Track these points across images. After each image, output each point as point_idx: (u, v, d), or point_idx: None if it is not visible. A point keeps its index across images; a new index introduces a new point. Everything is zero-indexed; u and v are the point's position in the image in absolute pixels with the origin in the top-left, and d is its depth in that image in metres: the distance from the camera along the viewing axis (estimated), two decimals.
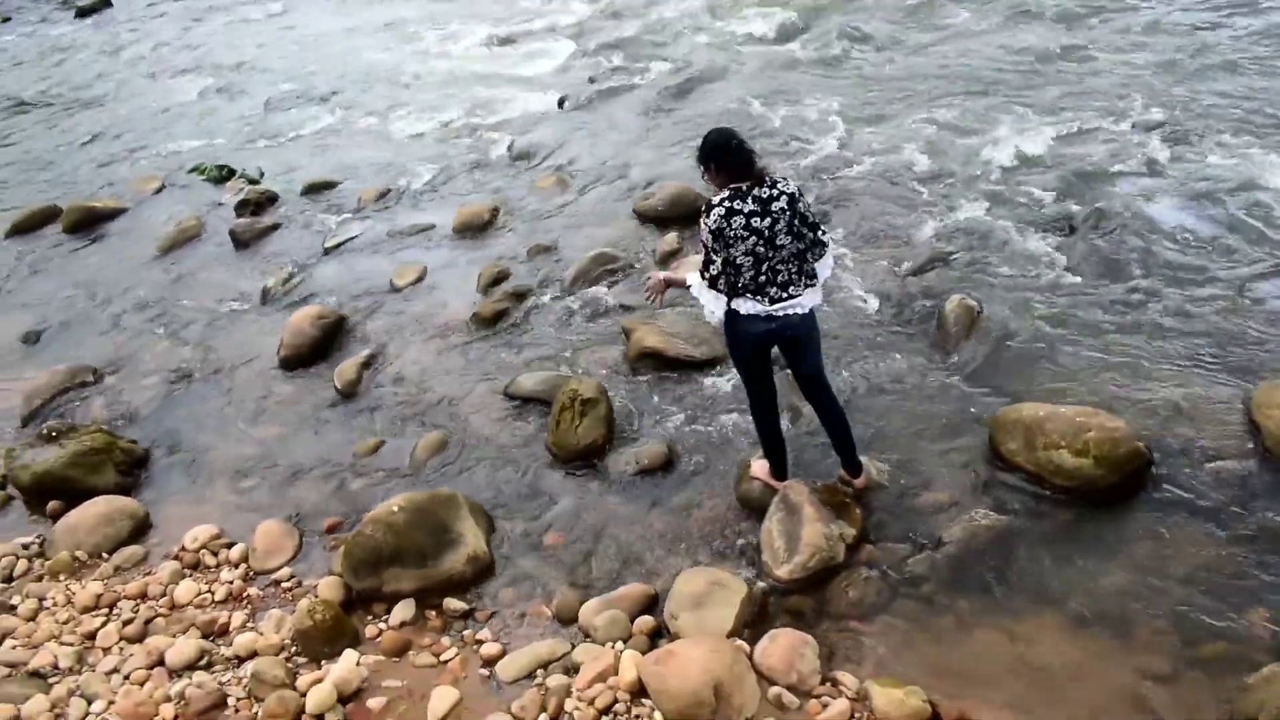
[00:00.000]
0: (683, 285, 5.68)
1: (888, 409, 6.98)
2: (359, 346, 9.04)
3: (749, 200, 5.23)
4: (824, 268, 5.53)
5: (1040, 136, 11.18)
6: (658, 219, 10.62)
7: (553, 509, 6.60)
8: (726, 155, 5.26)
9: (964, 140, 11.49)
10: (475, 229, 11.34)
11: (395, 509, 6.08)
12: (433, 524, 6.08)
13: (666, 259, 9.68)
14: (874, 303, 8.35)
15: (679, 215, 10.52)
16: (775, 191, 5.28)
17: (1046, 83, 12.73)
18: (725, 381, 7.47)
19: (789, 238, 5.29)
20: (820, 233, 5.44)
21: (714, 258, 5.30)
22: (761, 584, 5.61)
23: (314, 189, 13.38)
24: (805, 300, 5.43)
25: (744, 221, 5.20)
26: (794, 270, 5.35)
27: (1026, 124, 11.63)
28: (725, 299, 5.38)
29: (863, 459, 6.25)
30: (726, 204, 5.24)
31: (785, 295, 5.35)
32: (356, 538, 6.02)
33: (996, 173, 10.64)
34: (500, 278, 9.87)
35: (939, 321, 7.87)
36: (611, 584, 5.85)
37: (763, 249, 5.24)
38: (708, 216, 5.26)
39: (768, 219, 5.23)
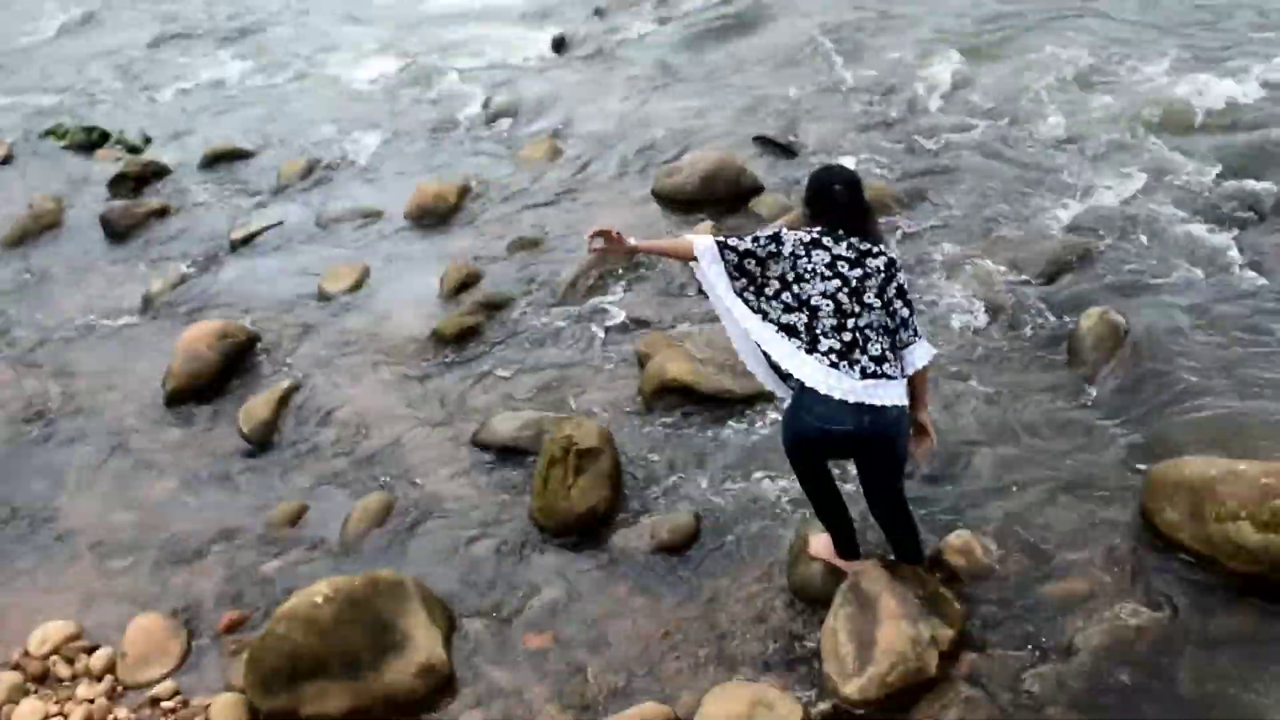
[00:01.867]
0: (664, 254, 5.78)
1: (1000, 464, 6.96)
2: (275, 376, 9.11)
3: (841, 244, 5.38)
4: (920, 355, 5.52)
5: (1212, 89, 11.22)
6: (685, 202, 10.67)
7: (536, 599, 6.59)
8: (832, 203, 5.44)
9: (1107, 93, 11.55)
10: (437, 215, 11.42)
11: (320, 599, 6.08)
12: (371, 620, 6.08)
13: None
14: (983, 317, 8.36)
15: (714, 197, 10.56)
16: (876, 249, 5.44)
17: (1219, 17, 12.77)
18: (776, 418, 7.47)
19: (879, 302, 5.39)
20: (913, 317, 5.50)
21: (749, 245, 5.38)
22: (823, 705, 5.57)
23: (218, 160, 13.54)
24: (900, 390, 5.46)
25: (828, 259, 5.33)
26: (887, 346, 5.41)
27: (1192, 70, 11.66)
28: (767, 325, 5.43)
29: (964, 534, 6.23)
30: (815, 234, 5.40)
31: (880, 372, 5.38)
32: (266, 639, 6.02)
33: (1152, 138, 10.67)
34: (469, 282, 9.93)
35: (1072, 343, 7.85)
36: (616, 703, 5.81)
37: (847, 299, 5.33)
38: (789, 230, 5.44)
39: (859, 270, 5.35)
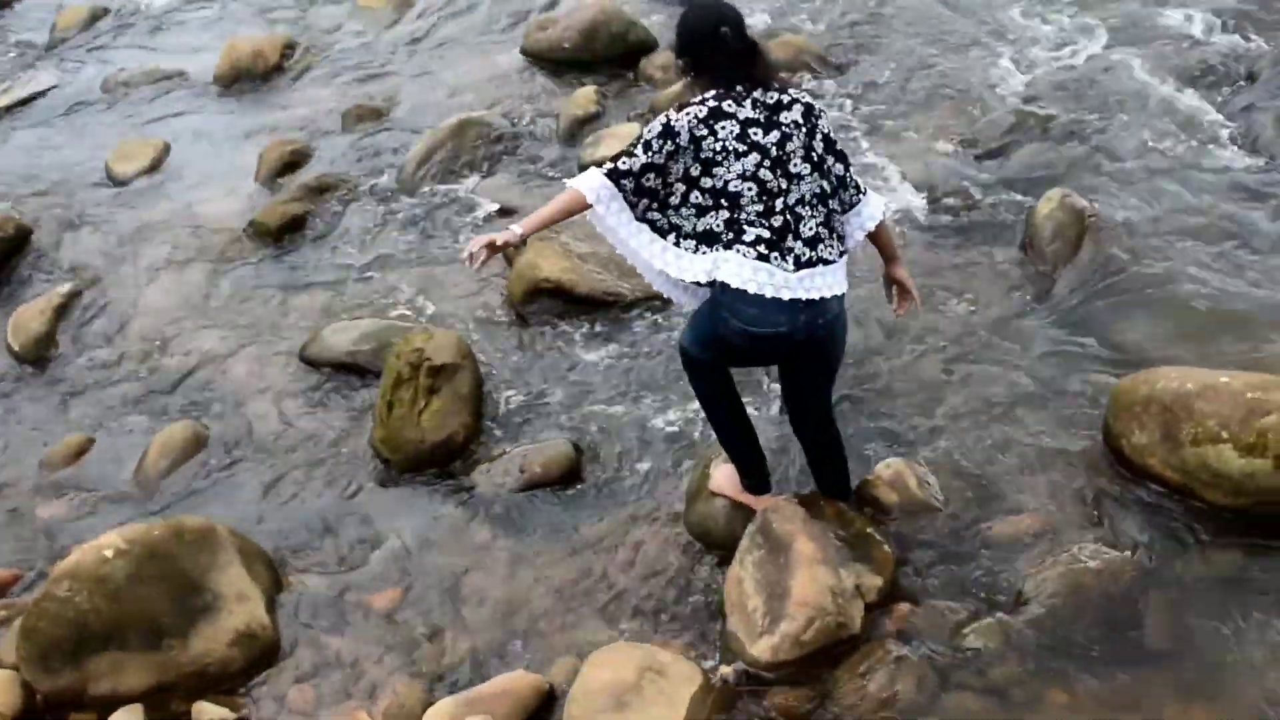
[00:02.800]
0: (560, 219, 5.65)
1: (939, 380, 7.02)
2: (52, 279, 8.92)
3: (745, 103, 5.29)
4: (865, 218, 5.58)
5: None
6: (561, 62, 10.57)
7: (380, 550, 6.56)
8: (719, 50, 5.33)
9: None
10: (254, 78, 11.23)
11: (110, 553, 5.96)
12: (175, 578, 5.98)
13: (576, 131, 9.63)
14: (921, 200, 8.41)
15: (596, 56, 10.48)
16: (786, 97, 5.36)
17: None
18: (670, 324, 7.47)
19: (807, 166, 5.34)
20: (854, 171, 5.53)
21: (641, 155, 5.23)
22: (727, 669, 5.61)
23: None
24: (840, 274, 5.48)
25: (736, 130, 5.24)
26: (821, 221, 5.40)
27: None
28: (687, 252, 5.38)
29: (896, 464, 6.29)
30: (711, 103, 5.27)
31: (815, 258, 5.37)
32: (44, 604, 5.91)
33: None
34: (295, 161, 9.79)
35: (1028, 232, 7.93)
36: (478, 673, 5.82)
37: (770, 175, 5.26)
38: (677, 111, 5.29)
39: (775, 132, 5.27)
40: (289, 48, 11.57)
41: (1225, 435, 5.94)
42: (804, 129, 5.32)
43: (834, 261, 5.38)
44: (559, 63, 10.57)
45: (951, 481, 6.38)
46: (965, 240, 8.05)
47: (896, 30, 10.52)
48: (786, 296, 5.25)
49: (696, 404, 6.56)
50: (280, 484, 7.06)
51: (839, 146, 5.45)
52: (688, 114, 5.24)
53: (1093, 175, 8.36)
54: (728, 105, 5.25)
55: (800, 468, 6.46)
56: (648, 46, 10.72)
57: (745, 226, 5.24)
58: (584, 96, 9.97)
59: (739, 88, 5.30)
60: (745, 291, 5.24)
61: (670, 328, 7.52)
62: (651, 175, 5.28)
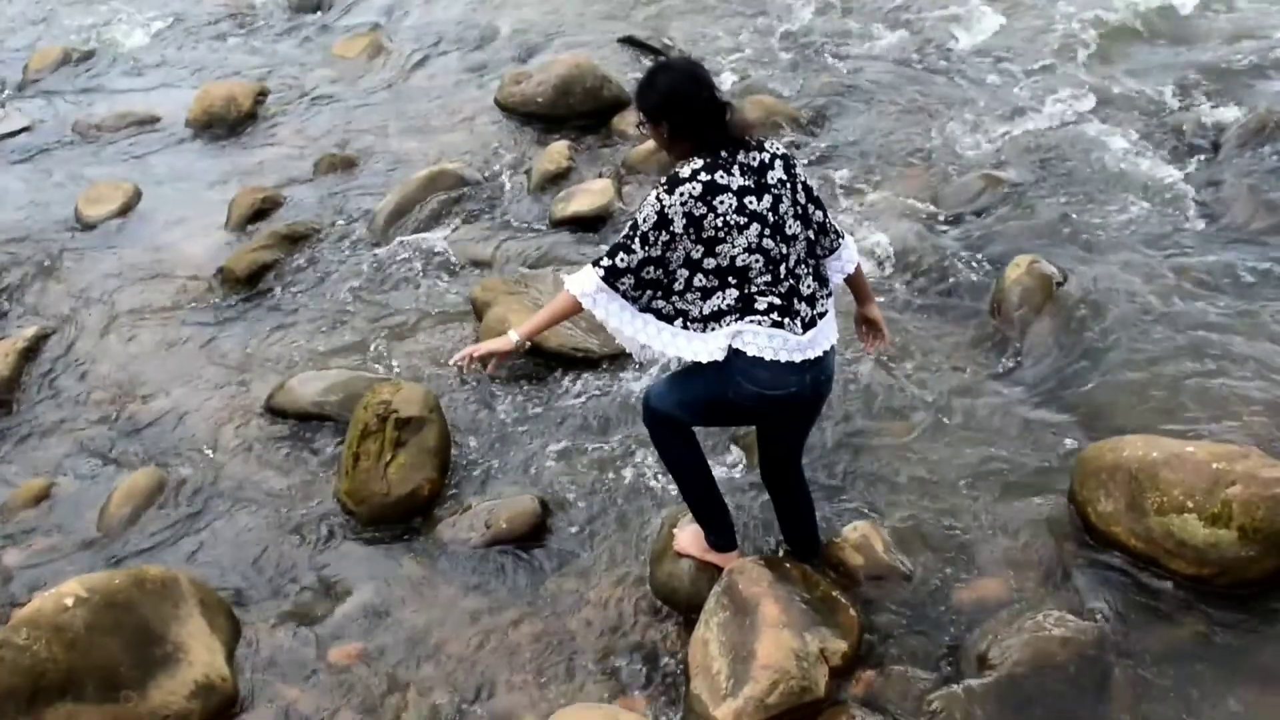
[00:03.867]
0: (556, 322, 5.67)
1: (906, 443, 7.04)
2: (19, 322, 8.87)
3: (734, 169, 5.27)
4: (845, 261, 5.65)
5: None
6: (535, 116, 10.59)
7: (343, 604, 6.51)
8: (693, 112, 5.29)
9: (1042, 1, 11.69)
10: (227, 124, 11.22)
11: (70, 602, 5.91)
12: (135, 628, 5.92)
13: (547, 185, 9.65)
14: (890, 264, 8.43)
15: (570, 111, 10.51)
16: (766, 156, 5.35)
17: None
18: (635, 384, 7.47)
19: (799, 224, 5.38)
20: (829, 215, 5.56)
21: (638, 250, 5.22)
22: None
23: None
24: (832, 322, 5.55)
25: (735, 203, 5.22)
26: (813, 275, 5.47)
27: None
28: (699, 334, 5.39)
29: (863, 527, 6.30)
30: (704, 177, 5.23)
31: (816, 314, 5.44)
32: (0, 652, 5.86)
33: (1093, 52, 10.84)
34: (266, 208, 9.78)
35: (996, 297, 7.96)
36: None
37: (772, 243, 5.28)
38: (669, 192, 5.21)
39: (766, 197, 5.27)
40: (262, 94, 11.57)
41: (1190, 505, 5.97)
42: (788, 184, 5.33)
43: (828, 310, 5.48)
44: (532, 116, 10.60)
45: (917, 545, 6.39)
46: (933, 304, 8.08)
47: (867, 94, 10.60)
48: (798, 359, 5.32)
49: (662, 464, 6.57)
50: (244, 534, 7.01)
51: (815, 193, 5.48)
52: (681, 195, 5.16)
53: (1061, 242, 8.41)
54: (720, 177, 5.20)
55: (762, 527, 6.47)
56: (621, 103, 10.75)
57: (756, 298, 5.26)
58: (556, 151, 9.98)
59: (723, 153, 5.26)
60: (762, 358, 5.29)
61: (639, 381, 7.51)
62: (651, 268, 5.26)
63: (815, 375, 5.42)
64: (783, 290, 5.29)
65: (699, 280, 5.29)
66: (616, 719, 5.54)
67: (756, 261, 5.22)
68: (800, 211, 5.38)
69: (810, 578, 6.03)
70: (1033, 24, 11.33)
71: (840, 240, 5.59)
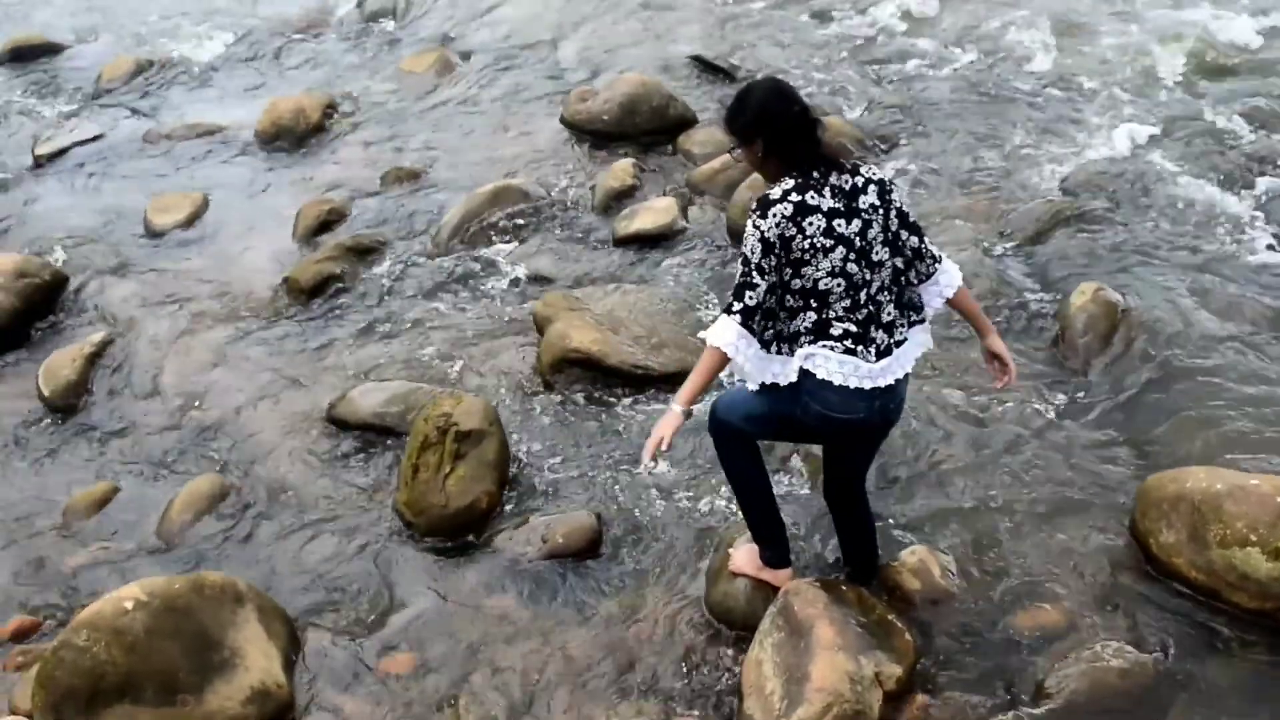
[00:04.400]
0: (710, 380, 5.56)
1: (967, 469, 7.00)
2: (87, 327, 8.94)
3: (825, 191, 5.25)
4: (943, 286, 5.59)
5: (1239, 24, 11.33)
6: (600, 134, 10.61)
7: (399, 614, 6.53)
8: (788, 129, 5.27)
9: (1114, 25, 11.62)
10: (295, 137, 11.29)
11: (130, 605, 5.95)
12: (193, 633, 5.96)
13: (611, 202, 9.66)
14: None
15: (637, 130, 10.52)
16: (860, 180, 5.32)
17: None
18: (698, 408, 7.47)
19: (887, 251, 5.35)
20: (928, 241, 5.50)
21: (760, 281, 5.26)
22: None
23: (22, 54, 13.26)
24: (912, 350, 5.54)
25: (824, 225, 5.21)
26: (895, 303, 5.44)
27: (1212, 3, 11.77)
28: (780, 355, 5.41)
29: (921, 551, 6.28)
30: (795, 197, 5.23)
31: (893, 343, 5.42)
32: (61, 652, 5.89)
33: (1164, 81, 10.77)
34: (332, 220, 9.83)
35: (1060, 324, 7.92)
36: None
37: (856, 267, 5.27)
38: (763, 216, 5.22)
39: (856, 221, 5.25)
40: (330, 108, 11.65)
41: (1254, 538, 5.91)
42: (881, 210, 5.29)
43: (906, 339, 5.44)
44: (597, 134, 10.61)
45: (975, 571, 6.35)
46: (998, 329, 8.01)
47: (933, 119, 10.56)
48: (868, 386, 5.31)
49: (721, 481, 6.57)
50: (302, 542, 7.04)
51: (913, 219, 5.42)
52: (774, 217, 5.15)
53: (1127, 269, 8.35)
54: (811, 198, 5.18)
55: (822, 551, 6.45)
56: (687, 121, 10.76)
57: (834, 323, 5.27)
58: (621, 169, 10.00)
59: (815, 174, 5.24)
60: (830, 382, 5.29)
61: (698, 405, 7.49)
62: (771, 297, 5.25)
63: (885, 403, 5.42)
64: (860, 317, 5.28)
65: (787, 301, 5.30)
66: None
67: (838, 286, 5.21)
68: (890, 238, 5.34)
69: (866, 600, 6.00)
70: (1103, 51, 11.26)
71: (937, 265, 5.52)
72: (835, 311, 5.26)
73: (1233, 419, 7.11)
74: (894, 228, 5.34)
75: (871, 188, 5.29)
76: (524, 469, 7.31)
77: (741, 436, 5.78)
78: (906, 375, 5.48)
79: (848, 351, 5.27)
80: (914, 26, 12.40)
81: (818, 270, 5.19)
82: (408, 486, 7.04)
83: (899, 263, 5.39)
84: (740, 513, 6.12)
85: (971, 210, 9.27)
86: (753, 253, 5.17)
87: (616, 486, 7.10)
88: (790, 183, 5.23)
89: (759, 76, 11.03)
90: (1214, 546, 5.99)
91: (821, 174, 5.24)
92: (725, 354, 5.25)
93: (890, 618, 5.94)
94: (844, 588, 6.04)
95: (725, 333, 5.24)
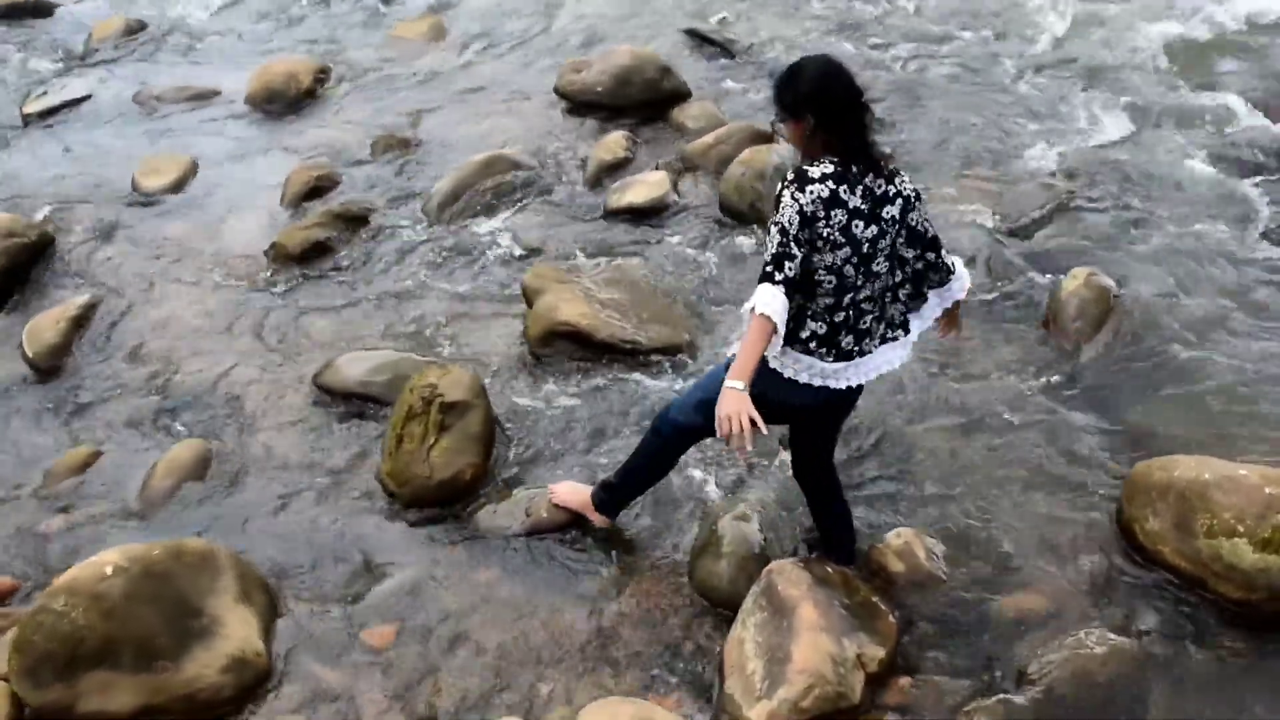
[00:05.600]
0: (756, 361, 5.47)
1: (955, 451, 7.02)
2: (71, 289, 8.91)
3: (857, 190, 5.21)
4: (937, 303, 5.65)
5: (1239, 5, 11.30)
6: (595, 105, 10.58)
7: (380, 584, 6.52)
8: (840, 110, 5.18)
9: (1122, 9, 11.59)
10: (286, 100, 11.25)
11: (109, 570, 5.93)
12: (172, 599, 5.94)
13: (603, 175, 9.63)
14: None
15: (629, 103, 10.50)
16: (891, 189, 5.28)
17: None
18: (682, 379, 7.46)
19: (888, 265, 5.36)
20: (945, 252, 5.52)
21: (797, 252, 5.16)
22: None
23: (9, 12, 13.22)
24: (878, 361, 5.53)
25: (844, 220, 5.18)
26: (876, 316, 5.45)
27: None
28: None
29: (906, 533, 6.29)
30: (831, 185, 5.17)
31: (855, 351, 5.43)
32: (39, 617, 5.87)
33: (1162, 63, 10.75)
34: (322, 186, 9.79)
35: (1052, 308, 7.94)
36: (471, 716, 5.78)
37: (853, 271, 5.26)
38: (801, 190, 5.16)
39: (873, 227, 5.23)
40: (322, 73, 11.60)
41: (1240, 529, 5.94)
42: (898, 225, 5.29)
43: (871, 352, 5.45)
44: (591, 105, 10.58)
45: (960, 554, 6.38)
46: (988, 313, 8.05)
47: (931, 97, 10.55)
48: (817, 383, 5.38)
49: (703, 458, 6.64)
50: (284, 510, 7.02)
51: (931, 234, 5.40)
52: (812, 194, 5.10)
53: (1120, 254, 8.36)
54: (844, 191, 5.13)
55: (807, 534, 6.46)
56: (681, 95, 10.73)
57: (808, 320, 5.30)
58: (614, 141, 9.98)
59: (855, 168, 5.18)
60: (780, 374, 5.38)
61: (688, 378, 7.50)
62: (793, 266, 5.16)
63: (831, 395, 5.48)
64: (835, 320, 5.31)
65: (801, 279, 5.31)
66: (648, 714, 5.52)
67: (829, 282, 5.22)
68: (897, 253, 5.37)
69: (850, 582, 6.01)
70: (1105, 35, 11.25)
71: (950, 275, 5.56)
72: (815, 306, 5.29)
73: (1222, 408, 7.14)
74: (902, 243, 5.35)
75: (899, 200, 5.27)
76: (510, 442, 7.30)
77: (683, 436, 5.97)
78: (860, 386, 5.55)
79: (806, 351, 5.34)
80: (914, 5, 12.37)
81: (821, 261, 5.19)
82: (391, 457, 7.02)
83: (896, 277, 5.43)
84: (631, 469, 6.30)
85: (967, 191, 9.27)
86: (790, 224, 5.11)
87: (603, 462, 7.07)
88: (830, 168, 5.16)
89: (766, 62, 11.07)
90: (1200, 536, 6.02)
91: (860, 170, 5.19)
92: (774, 322, 5.09)
93: (874, 600, 5.97)
94: (828, 569, 6.05)
95: (773, 301, 5.08)
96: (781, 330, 5.11)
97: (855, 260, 5.21)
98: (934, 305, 5.65)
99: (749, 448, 5.09)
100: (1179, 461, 6.37)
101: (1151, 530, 6.21)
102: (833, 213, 5.13)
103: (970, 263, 8.37)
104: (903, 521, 6.47)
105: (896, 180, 5.30)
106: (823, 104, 5.17)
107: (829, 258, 5.18)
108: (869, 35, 11.76)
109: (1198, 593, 6.03)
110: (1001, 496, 6.71)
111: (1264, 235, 8.52)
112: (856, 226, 5.17)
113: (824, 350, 5.34)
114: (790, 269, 5.11)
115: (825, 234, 5.13)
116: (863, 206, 5.18)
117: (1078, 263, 8.20)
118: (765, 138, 9.60)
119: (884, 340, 5.51)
